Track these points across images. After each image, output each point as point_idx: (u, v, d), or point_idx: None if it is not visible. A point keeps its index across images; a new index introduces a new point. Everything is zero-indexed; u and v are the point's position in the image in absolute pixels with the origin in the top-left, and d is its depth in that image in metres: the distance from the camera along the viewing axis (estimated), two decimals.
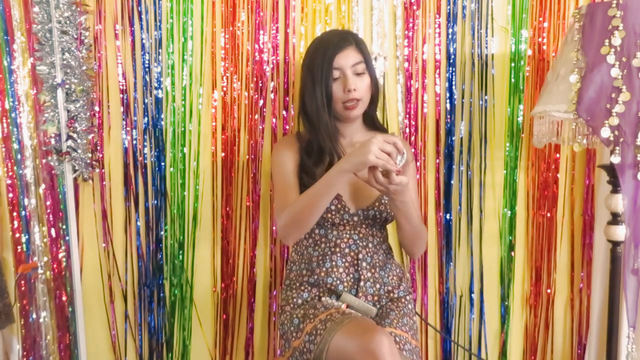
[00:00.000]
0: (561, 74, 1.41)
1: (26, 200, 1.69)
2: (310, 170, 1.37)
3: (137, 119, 1.71)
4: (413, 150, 1.72)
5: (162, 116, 1.71)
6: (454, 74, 1.73)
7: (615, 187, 1.49)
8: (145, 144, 1.72)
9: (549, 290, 1.81)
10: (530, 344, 1.83)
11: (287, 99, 1.72)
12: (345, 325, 1.19)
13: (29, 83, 1.66)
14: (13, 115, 1.67)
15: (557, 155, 1.76)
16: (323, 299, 1.36)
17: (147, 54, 1.68)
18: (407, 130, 1.75)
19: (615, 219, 1.51)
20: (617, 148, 1.31)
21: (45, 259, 1.71)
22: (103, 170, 1.72)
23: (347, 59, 1.35)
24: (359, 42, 1.39)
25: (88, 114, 1.66)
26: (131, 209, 1.74)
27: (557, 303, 1.81)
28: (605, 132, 1.31)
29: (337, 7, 1.70)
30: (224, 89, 1.71)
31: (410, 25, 1.72)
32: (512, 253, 1.79)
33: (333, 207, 1.35)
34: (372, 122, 1.50)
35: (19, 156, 1.68)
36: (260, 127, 1.73)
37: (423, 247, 1.47)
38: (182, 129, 1.71)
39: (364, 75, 1.37)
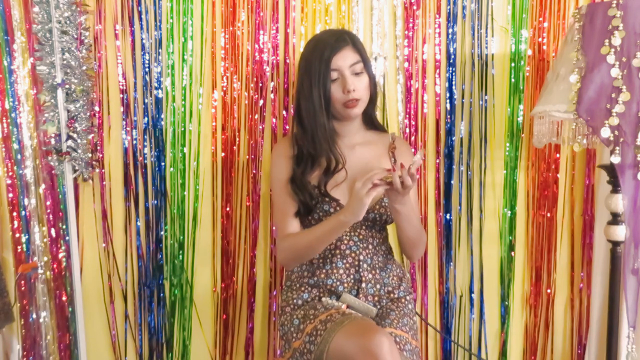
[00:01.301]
0: (561, 74, 1.41)
1: (26, 200, 1.69)
2: (301, 183, 1.37)
3: (137, 119, 1.71)
4: (413, 150, 1.72)
5: (162, 116, 1.71)
6: (454, 74, 1.73)
7: (615, 187, 1.49)
8: (145, 144, 1.72)
9: (549, 290, 1.81)
10: (530, 344, 1.83)
11: (287, 99, 1.72)
12: (345, 325, 1.19)
13: (29, 83, 1.66)
14: (13, 115, 1.67)
15: (557, 155, 1.76)
16: (323, 299, 1.35)
17: (147, 54, 1.68)
18: (407, 130, 1.75)
19: (615, 219, 1.51)
20: (617, 148, 1.31)
21: (45, 259, 1.71)
22: (103, 170, 1.72)
23: (344, 59, 1.34)
24: (355, 42, 1.38)
25: (88, 114, 1.66)
26: (131, 209, 1.74)
27: (557, 303, 1.81)
28: (605, 132, 1.31)
29: (337, 7, 1.70)
30: (224, 89, 1.71)
31: (410, 25, 1.72)
32: (512, 253, 1.79)
33: (332, 211, 1.35)
34: (371, 122, 1.49)
35: (19, 156, 1.67)
36: (260, 127, 1.73)
37: (422, 250, 1.48)
38: (182, 129, 1.71)
39: (362, 75, 1.36)
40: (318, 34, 1.45)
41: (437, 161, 1.76)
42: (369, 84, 1.38)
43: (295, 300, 1.38)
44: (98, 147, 1.71)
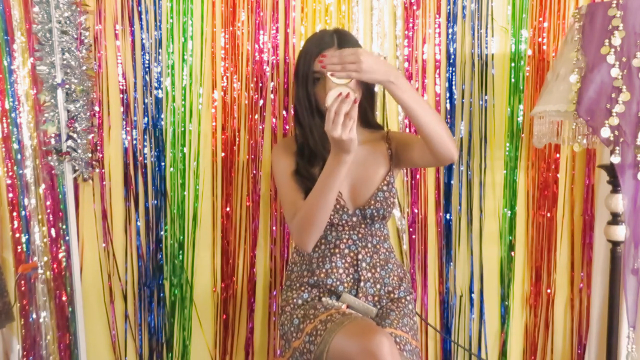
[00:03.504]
0: (561, 74, 1.41)
1: (26, 200, 1.69)
2: (306, 172, 1.37)
3: (137, 119, 1.71)
4: None
5: (162, 116, 1.71)
6: (454, 74, 1.73)
7: (615, 187, 1.49)
8: (145, 144, 1.72)
9: (549, 290, 1.81)
10: (530, 344, 1.83)
11: (287, 99, 1.72)
12: (345, 326, 1.19)
13: (29, 83, 1.66)
14: (13, 115, 1.67)
15: (557, 155, 1.76)
16: (323, 299, 1.36)
17: (147, 54, 1.68)
18: (407, 130, 1.75)
19: (615, 219, 1.51)
20: (617, 148, 1.31)
21: (45, 259, 1.71)
22: (103, 170, 1.72)
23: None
24: (342, 42, 1.35)
25: (88, 114, 1.66)
26: (131, 209, 1.74)
27: (557, 303, 1.82)
28: (605, 132, 1.31)
29: (337, 7, 1.70)
30: (224, 89, 1.71)
31: (410, 25, 1.72)
32: (512, 253, 1.79)
33: (335, 202, 1.34)
34: (367, 121, 1.49)
35: (19, 156, 1.68)
36: (260, 127, 1.73)
37: (453, 140, 1.28)
38: (182, 129, 1.71)
39: None
40: (310, 35, 1.44)
41: None
42: (357, 84, 1.34)
43: (295, 300, 1.38)
44: (98, 147, 1.71)
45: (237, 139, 1.73)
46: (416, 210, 1.77)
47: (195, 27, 1.69)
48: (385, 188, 1.40)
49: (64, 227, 1.71)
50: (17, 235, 1.70)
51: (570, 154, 1.77)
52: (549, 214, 1.78)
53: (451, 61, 1.73)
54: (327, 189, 1.22)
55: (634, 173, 1.32)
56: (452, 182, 1.77)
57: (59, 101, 1.61)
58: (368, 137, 1.47)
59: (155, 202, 1.73)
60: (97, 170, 1.71)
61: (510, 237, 1.78)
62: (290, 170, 1.39)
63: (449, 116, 1.74)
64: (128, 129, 1.71)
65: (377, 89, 1.70)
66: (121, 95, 1.70)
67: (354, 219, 1.38)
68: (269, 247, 1.77)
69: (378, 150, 1.44)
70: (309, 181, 1.34)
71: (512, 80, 1.73)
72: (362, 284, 1.37)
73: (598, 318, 1.75)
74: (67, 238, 1.70)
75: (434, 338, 1.83)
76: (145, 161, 1.72)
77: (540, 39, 1.72)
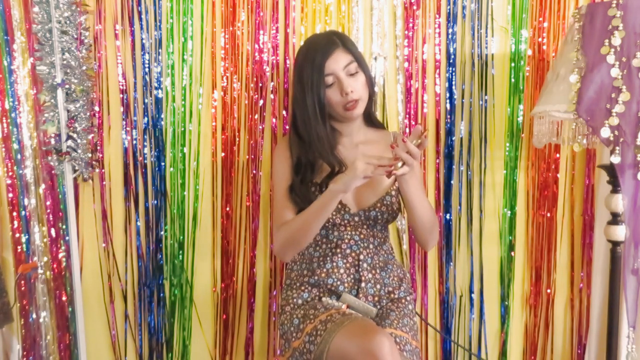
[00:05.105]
0: (561, 74, 1.41)
1: (26, 200, 1.69)
2: (300, 192, 1.36)
3: (137, 119, 1.71)
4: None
5: (162, 116, 1.71)
6: (454, 74, 1.73)
7: (615, 187, 1.49)
8: (145, 144, 1.72)
9: (549, 290, 1.81)
10: (530, 344, 1.83)
11: (287, 99, 1.72)
12: (345, 326, 1.19)
13: (29, 83, 1.66)
14: (13, 115, 1.67)
15: (557, 155, 1.76)
16: (323, 299, 1.35)
17: (147, 54, 1.68)
18: (407, 130, 1.75)
19: (615, 219, 1.51)
20: (617, 148, 1.31)
21: (45, 259, 1.71)
22: (103, 170, 1.72)
23: (337, 62, 1.32)
24: (345, 42, 1.36)
25: (88, 114, 1.66)
26: (131, 209, 1.74)
27: (557, 303, 1.82)
28: (605, 132, 1.31)
29: (337, 7, 1.70)
30: (224, 89, 1.71)
31: (410, 25, 1.72)
32: (512, 253, 1.79)
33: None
34: (370, 120, 1.49)
35: (19, 156, 1.67)
36: (260, 127, 1.73)
37: (436, 235, 1.44)
38: (182, 129, 1.71)
39: (358, 74, 1.35)
40: (307, 40, 1.43)
41: (437, 161, 1.76)
42: (365, 83, 1.37)
43: (295, 300, 1.38)
44: (98, 147, 1.71)
45: (237, 139, 1.73)
46: None
47: (195, 27, 1.69)
48: (393, 193, 1.40)
49: (64, 227, 1.71)
50: (17, 235, 1.70)
51: (570, 154, 1.77)
52: (549, 214, 1.78)
53: (451, 61, 1.73)
54: (315, 217, 1.28)
55: (634, 173, 1.32)
56: (452, 182, 1.77)
57: (59, 101, 1.61)
58: (374, 137, 1.47)
59: (155, 202, 1.73)
60: (97, 170, 1.71)
61: (510, 237, 1.78)
62: (285, 183, 1.39)
63: (449, 116, 1.74)
64: (128, 129, 1.71)
65: (377, 88, 1.71)
66: (121, 95, 1.70)
67: (356, 218, 1.38)
68: (269, 247, 1.77)
69: (384, 151, 1.43)
70: (302, 202, 1.35)
71: (512, 80, 1.73)
72: (362, 284, 1.37)
73: (598, 318, 1.75)
74: (67, 238, 1.70)
75: (434, 338, 1.83)
76: (145, 161, 1.72)
77: (540, 39, 1.72)
